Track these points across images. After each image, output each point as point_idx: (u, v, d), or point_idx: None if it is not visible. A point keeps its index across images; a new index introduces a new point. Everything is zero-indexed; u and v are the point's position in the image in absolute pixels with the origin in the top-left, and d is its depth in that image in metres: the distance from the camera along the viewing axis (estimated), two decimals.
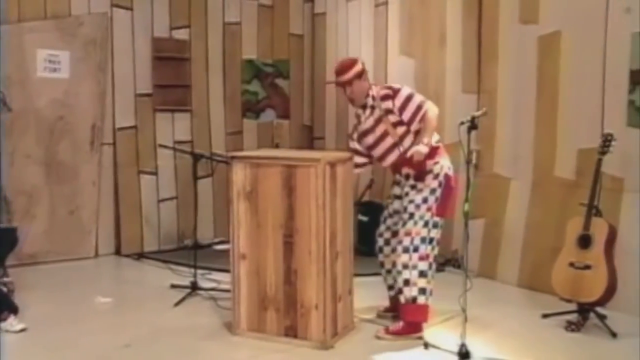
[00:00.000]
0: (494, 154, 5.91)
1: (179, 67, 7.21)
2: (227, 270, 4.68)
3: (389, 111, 4.47)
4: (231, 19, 7.57)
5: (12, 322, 4.49)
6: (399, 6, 6.85)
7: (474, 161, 4.16)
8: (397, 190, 4.63)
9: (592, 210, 4.53)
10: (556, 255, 4.71)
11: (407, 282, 4.36)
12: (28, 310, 4.74)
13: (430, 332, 4.40)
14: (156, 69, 7.05)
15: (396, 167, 4.60)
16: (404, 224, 4.42)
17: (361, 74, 4.55)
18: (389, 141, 4.51)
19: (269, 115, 7.90)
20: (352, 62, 4.62)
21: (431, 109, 4.42)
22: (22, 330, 4.47)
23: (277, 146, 7.72)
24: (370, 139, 4.58)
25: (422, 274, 4.36)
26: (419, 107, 4.43)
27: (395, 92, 4.49)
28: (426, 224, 4.39)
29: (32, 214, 6.35)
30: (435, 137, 4.47)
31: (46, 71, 6.39)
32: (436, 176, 4.45)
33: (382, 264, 4.75)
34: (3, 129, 6.00)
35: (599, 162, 4.55)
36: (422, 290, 4.36)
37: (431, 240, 4.41)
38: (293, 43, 8.01)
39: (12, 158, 6.17)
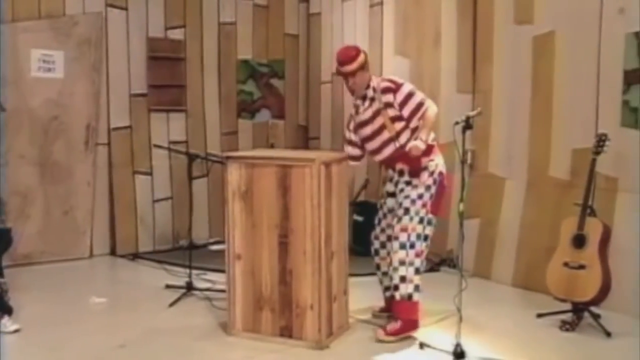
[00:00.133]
0: (489, 154, 5.92)
1: (174, 67, 7.19)
2: (222, 271, 4.67)
3: (388, 104, 4.43)
4: (226, 19, 7.56)
5: (6, 323, 4.47)
6: (394, 6, 6.86)
7: (468, 161, 4.17)
8: (390, 187, 4.60)
9: (587, 210, 4.54)
10: (551, 255, 4.72)
11: (403, 279, 4.35)
12: (22, 311, 4.72)
13: (425, 331, 4.40)
14: (151, 69, 7.04)
15: (390, 162, 4.57)
16: (400, 219, 4.40)
17: (364, 65, 4.51)
18: (386, 134, 4.48)
19: (264, 116, 7.89)
20: (357, 53, 4.55)
21: (431, 108, 4.42)
22: (16, 331, 4.46)
23: (272, 146, 7.73)
24: (367, 130, 4.54)
25: (417, 271, 4.37)
26: (420, 105, 4.42)
27: (398, 86, 4.45)
28: (421, 221, 4.39)
29: (27, 215, 6.32)
30: (430, 136, 4.47)
31: (40, 71, 6.36)
32: (431, 173, 4.44)
33: (378, 266, 4.74)
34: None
35: (593, 162, 4.57)
36: (417, 288, 4.37)
37: (426, 237, 4.42)
38: (288, 43, 8.02)
39: (6, 158, 6.15)
